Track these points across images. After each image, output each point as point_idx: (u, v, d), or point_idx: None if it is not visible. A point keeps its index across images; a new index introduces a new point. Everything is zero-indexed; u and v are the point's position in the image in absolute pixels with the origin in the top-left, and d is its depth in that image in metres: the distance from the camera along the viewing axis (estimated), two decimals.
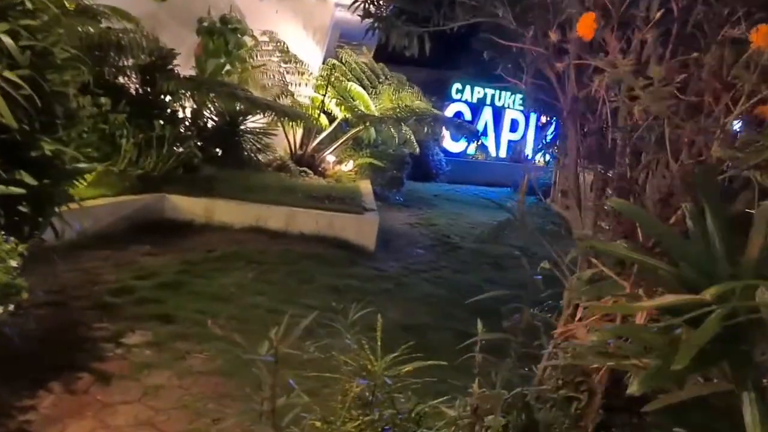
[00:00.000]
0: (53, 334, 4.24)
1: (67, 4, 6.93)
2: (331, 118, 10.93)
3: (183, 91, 8.49)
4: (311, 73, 10.90)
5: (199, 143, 8.70)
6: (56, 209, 3.69)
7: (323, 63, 11.17)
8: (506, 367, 2.84)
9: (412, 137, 10.89)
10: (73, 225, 3.82)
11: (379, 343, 2.41)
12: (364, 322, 2.92)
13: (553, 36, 2.07)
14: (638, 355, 1.52)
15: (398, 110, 10.36)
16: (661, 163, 1.86)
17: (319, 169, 10.68)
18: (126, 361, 4.02)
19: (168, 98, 8.34)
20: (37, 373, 3.65)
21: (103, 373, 3.80)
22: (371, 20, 4.86)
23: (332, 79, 10.68)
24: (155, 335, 4.42)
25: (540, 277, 3.38)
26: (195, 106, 9.30)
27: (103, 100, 7.29)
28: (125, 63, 7.98)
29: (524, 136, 17.53)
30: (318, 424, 2.14)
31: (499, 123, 17.04)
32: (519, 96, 16.31)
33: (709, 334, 1.10)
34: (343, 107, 10.49)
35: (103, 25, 7.86)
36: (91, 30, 7.36)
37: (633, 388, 1.19)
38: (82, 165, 3.73)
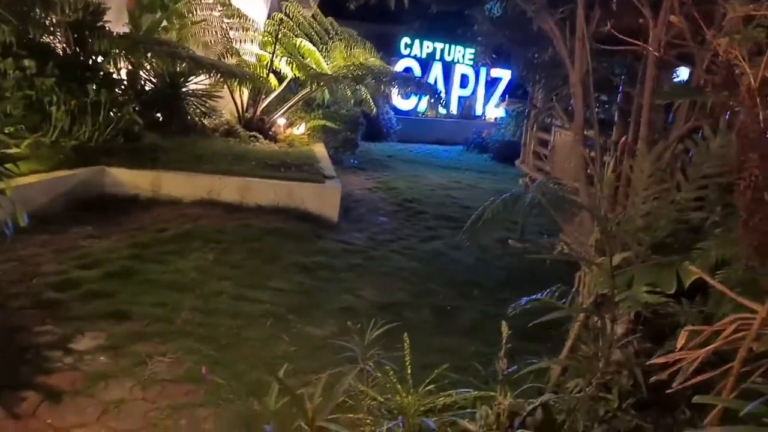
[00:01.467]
0: None
1: None
2: (280, 78, 10.23)
3: (117, 51, 7.69)
4: (257, 29, 10.13)
5: (138, 108, 7.93)
6: None
7: (269, 17, 10.40)
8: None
9: (368, 97, 10.33)
10: (5, 224, 3.21)
11: (409, 370, 1.98)
12: (341, 305, 2.54)
13: None
14: None
15: (353, 68, 9.75)
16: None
17: (270, 132, 10.03)
18: (78, 372, 3.46)
19: (101, 59, 7.52)
20: None
21: (52, 390, 3.25)
22: None
23: (280, 35, 9.94)
24: (109, 337, 3.86)
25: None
26: (131, 68, 8.48)
27: (27, 62, 6.47)
28: (52, 20, 7.10)
29: (474, 91, 17.20)
30: None
31: (449, 78, 16.63)
32: (469, 51, 15.89)
33: None
34: (293, 66, 9.79)
35: None
36: None
37: None
38: (12, 150, 3.10)
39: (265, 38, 10.17)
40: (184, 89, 9.19)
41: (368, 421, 1.86)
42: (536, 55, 5.21)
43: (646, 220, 2.86)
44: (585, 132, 3.67)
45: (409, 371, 1.98)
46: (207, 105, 9.54)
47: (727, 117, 2.88)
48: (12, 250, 4.96)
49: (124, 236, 5.66)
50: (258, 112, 10.16)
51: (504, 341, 2.57)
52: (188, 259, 5.32)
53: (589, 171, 3.48)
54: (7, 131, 3.17)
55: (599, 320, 2.93)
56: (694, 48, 2.37)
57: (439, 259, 6.69)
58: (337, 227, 7.16)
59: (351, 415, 1.92)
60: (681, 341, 1.70)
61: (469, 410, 2.22)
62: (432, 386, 2.32)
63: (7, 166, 3.12)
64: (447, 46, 16.33)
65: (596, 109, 4.61)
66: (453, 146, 15.73)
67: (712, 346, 1.59)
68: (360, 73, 9.52)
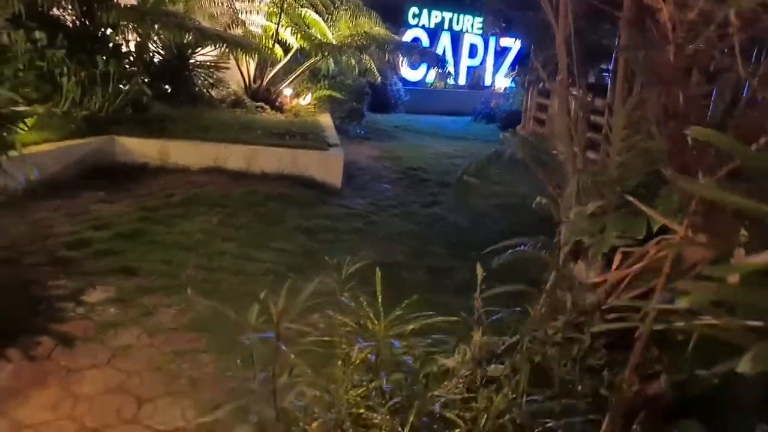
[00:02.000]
0: (6, 295, 3.90)
1: None
2: (286, 49, 10.36)
3: (125, 23, 7.84)
4: (262, 0, 10.23)
5: (146, 79, 8.11)
6: None
7: None
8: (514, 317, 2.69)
9: (373, 66, 10.43)
10: (16, 176, 3.42)
11: (379, 299, 2.17)
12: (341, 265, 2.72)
13: None
14: (713, 313, 1.32)
15: (357, 38, 9.85)
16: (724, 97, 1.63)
17: (276, 103, 10.18)
18: (89, 321, 3.71)
19: (109, 31, 7.70)
20: None
21: (65, 336, 3.51)
22: None
23: (285, 6, 10.04)
24: (119, 290, 4.11)
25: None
26: (139, 39, 8.64)
27: (38, 34, 6.66)
28: None
29: (483, 61, 17.18)
30: (319, 394, 1.93)
31: (457, 49, 16.62)
32: (478, 20, 15.86)
33: None
34: (298, 36, 9.91)
35: None
36: None
37: (745, 366, 0.99)
38: (20, 108, 3.30)
39: (271, 9, 10.27)
40: (191, 60, 9.37)
41: (343, 343, 2.05)
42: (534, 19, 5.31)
43: (620, 171, 3.01)
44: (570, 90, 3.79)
45: (380, 304, 2.18)
46: (214, 76, 9.71)
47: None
48: (26, 214, 5.21)
49: (133, 201, 5.89)
50: (264, 83, 10.32)
51: (479, 282, 2.76)
52: (194, 221, 5.54)
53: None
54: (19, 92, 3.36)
55: (574, 266, 3.11)
56: None
57: (439, 223, 6.86)
58: (341, 193, 7.35)
59: (326, 338, 2.12)
60: (615, 263, 1.87)
61: (436, 336, 2.41)
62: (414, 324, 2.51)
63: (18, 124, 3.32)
64: (455, 15, 16.28)
65: (590, 74, 4.70)
66: (461, 117, 15.77)
67: (639, 264, 1.76)
68: (364, 42, 9.62)
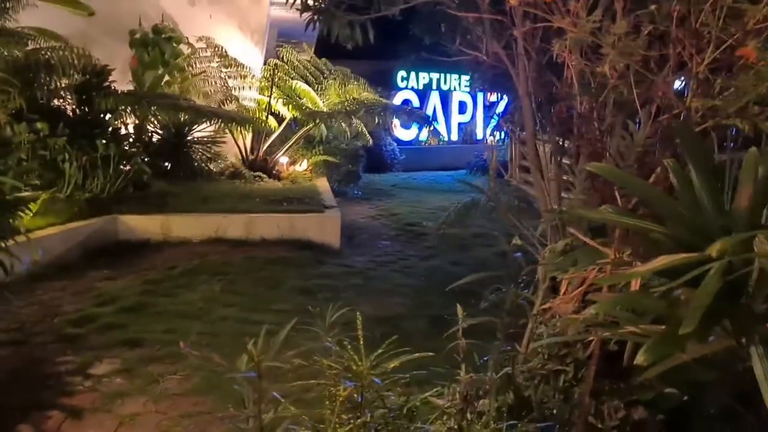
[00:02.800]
0: (16, 374, 4.03)
1: None
2: (280, 119, 10.75)
3: (123, 107, 8.22)
4: (254, 76, 10.68)
5: (146, 159, 8.44)
6: (1, 243, 3.48)
7: (264, 64, 10.96)
8: (495, 349, 2.80)
9: (364, 129, 10.78)
10: (22, 258, 3.61)
11: (361, 342, 2.31)
12: (341, 321, 2.86)
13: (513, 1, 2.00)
14: (631, 321, 1.47)
15: (347, 104, 10.23)
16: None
17: (274, 172, 10.49)
18: (96, 392, 3.83)
19: (108, 116, 8.06)
20: (2, 417, 3.46)
21: (74, 409, 3.62)
22: (310, 14, 4.73)
23: (276, 79, 10.49)
24: (124, 362, 4.24)
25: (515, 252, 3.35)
26: (137, 122, 9.01)
27: (39, 125, 7.00)
28: (59, 84, 7.67)
29: (473, 116, 17.63)
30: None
31: (447, 106, 17.10)
32: (465, 78, 16.36)
33: (712, 292, 1.05)
34: (290, 106, 10.31)
35: (30, 47, 7.55)
36: (17, 53, 7.03)
37: (640, 359, 1.13)
38: (24, 194, 3.53)
39: (263, 83, 10.71)
40: (189, 138, 9.71)
41: (329, 384, 2.18)
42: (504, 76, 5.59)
43: (585, 209, 3.19)
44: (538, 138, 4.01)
45: (361, 347, 2.31)
46: (212, 150, 10.04)
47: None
48: (34, 295, 5.39)
49: (136, 276, 6.06)
50: (261, 153, 10.65)
51: (460, 320, 2.91)
52: (196, 291, 5.70)
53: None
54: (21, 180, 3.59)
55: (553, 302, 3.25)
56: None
57: (438, 275, 6.98)
58: (340, 253, 7.51)
59: (313, 381, 2.25)
60: (562, 289, 2.02)
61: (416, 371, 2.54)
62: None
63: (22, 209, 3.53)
64: (442, 75, 16.83)
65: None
66: (456, 171, 16.07)
67: (581, 288, 1.91)
68: (354, 107, 9.99)
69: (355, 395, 2.13)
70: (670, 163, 1.42)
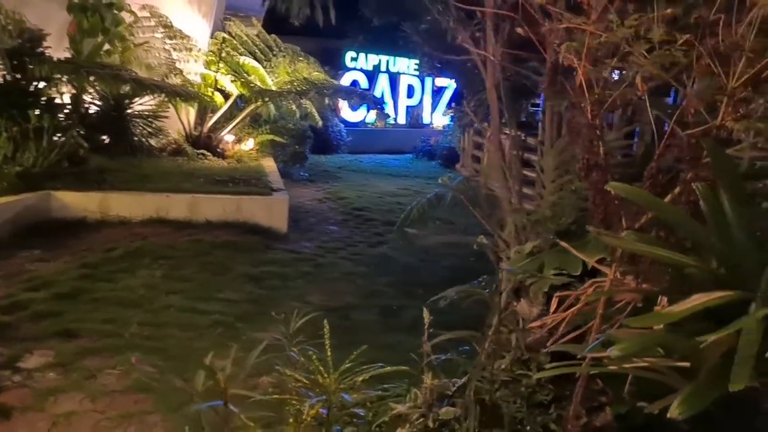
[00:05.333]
0: None
1: None
2: (226, 96, 10.36)
3: (59, 76, 7.72)
4: (200, 49, 10.24)
5: (82, 132, 7.97)
6: None
7: (211, 37, 10.53)
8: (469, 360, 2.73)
9: (314, 110, 10.53)
10: None
11: (329, 353, 2.17)
12: (289, 312, 2.74)
13: None
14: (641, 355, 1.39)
15: (296, 83, 9.94)
16: (644, 137, 1.73)
17: (218, 150, 10.12)
18: (27, 388, 3.56)
19: (42, 85, 7.55)
20: None
21: (1, 407, 3.35)
22: None
23: (223, 54, 10.09)
24: (58, 354, 3.96)
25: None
26: (74, 92, 8.50)
27: None
28: None
29: (421, 101, 17.57)
30: None
31: (395, 89, 16.97)
32: (414, 61, 16.25)
33: (758, 340, 0.97)
34: (238, 83, 9.94)
35: None
36: None
37: (675, 412, 1.05)
38: None
39: (209, 57, 10.29)
40: (129, 111, 9.24)
41: (294, 399, 2.04)
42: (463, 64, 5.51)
43: (553, 210, 3.13)
44: (502, 132, 3.94)
45: (329, 355, 2.17)
46: (153, 125, 9.59)
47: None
48: None
49: (72, 258, 5.72)
50: (205, 130, 10.27)
51: (426, 326, 2.81)
52: (137, 276, 5.42)
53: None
54: None
55: (516, 304, 3.20)
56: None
57: (387, 263, 6.90)
58: (287, 238, 7.32)
59: (276, 396, 2.10)
60: (553, 306, 1.94)
61: (386, 385, 2.43)
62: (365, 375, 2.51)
63: None
64: (392, 58, 16.68)
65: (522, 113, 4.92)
66: (403, 155, 16.03)
67: (575, 307, 1.83)
68: (303, 87, 9.72)
69: (321, 411, 2.01)
70: (699, 187, 1.33)
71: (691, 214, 1.34)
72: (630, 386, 2.08)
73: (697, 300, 1.13)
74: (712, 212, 1.27)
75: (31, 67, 7.33)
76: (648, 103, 1.53)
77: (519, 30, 2.29)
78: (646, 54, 1.43)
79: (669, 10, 1.43)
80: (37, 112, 7.15)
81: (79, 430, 3.24)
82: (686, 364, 1.21)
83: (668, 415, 1.06)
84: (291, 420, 1.95)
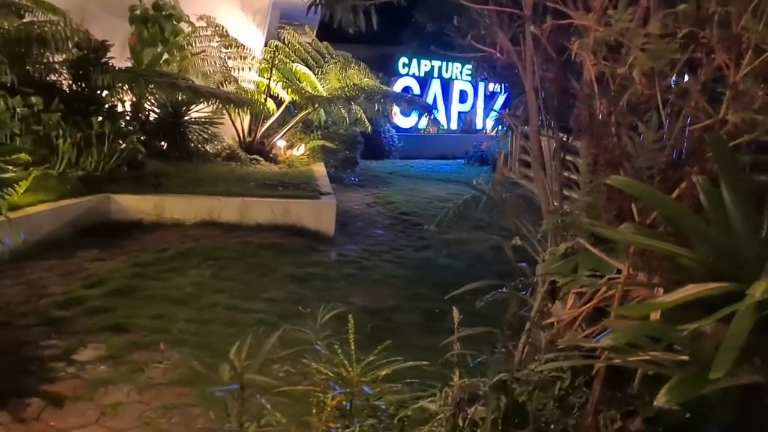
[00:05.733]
0: None
1: None
2: (279, 102, 10.61)
3: (120, 85, 8.08)
4: (254, 57, 10.52)
5: (142, 138, 8.32)
6: None
7: (265, 46, 10.80)
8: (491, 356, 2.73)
9: (363, 116, 10.66)
10: (4, 240, 3.52)
11: (352, 346, 2.22)
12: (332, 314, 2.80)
13: None
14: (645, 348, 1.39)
15: (347, 89, 10.09)
16: (651, 132, 1.72)
17: (270, 155, 10.37)
18: (79, 379, 3.75)
19: (105, 93, 7.92)
20: None
21: (55, 396, 3.54)
22: None
23: (276, 62, 10.33)
24: (109, 348, 4.16)
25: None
26: (134, 99, 8.88)
27: (33, 99, 6.85)
28: (53, 59, 7.52)
29: (473, 106, 17.48)
30: None
31: (448, 95, 16.94)
32: (467, 67, 16.19)
33: (746, 331, 0.97)
34: (289, 90, 10.17)
35: (27, 19, 7.40)
36: (6, 25, 6.87)
37: (662, 399, 1.05)
38: (8, 174, 3.41)
39: (263, 65, 10.55)
40: (186, 118, 9.58)
41: (318, 391, 2.10)
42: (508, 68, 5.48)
43: (587, 211, 3.10)
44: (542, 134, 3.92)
45: (353, 351, 2.23)
46: (209, 131, 9.92)
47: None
48: (21, 275, 5.30)
49: (127, 257, 5.97)
50: (258, 136, 10.52)
51: (456, 325, 2.83)
52: (187, 275, 5.62)
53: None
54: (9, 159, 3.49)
55: (551, 306, 3.17)
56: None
57: (432, 267, 6.91)
58: (334, 241, 7.43)
59: (300, 387, 2.17)
60: (569, 303, 1.94)
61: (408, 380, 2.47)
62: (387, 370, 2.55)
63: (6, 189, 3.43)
64: (444, 63, 16.66)
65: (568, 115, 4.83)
66: (454, 160, 15.97)
67: (591, 303, 1.83)
68: (354, 93, 9.85)
69: (344, 403, 2.06)
70: (700, 181, 1.33)
71: (696, 208, 1.33)
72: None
73: (690, 290, 1.12)
74: (712, 205, 1.26)
75: (94, 76, 7.69)
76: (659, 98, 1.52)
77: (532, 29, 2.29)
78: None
79: (681, 6, 1.43)
80: (99, 119, 7.49)
81: (125, 420, 3.39)
82: (686, 357, 1.20)
83: (655, 403, 1.07)
84: (314, 410, 2.01)
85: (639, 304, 1.50)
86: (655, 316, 1.27)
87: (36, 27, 7.19)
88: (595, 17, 1.63)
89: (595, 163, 1.77)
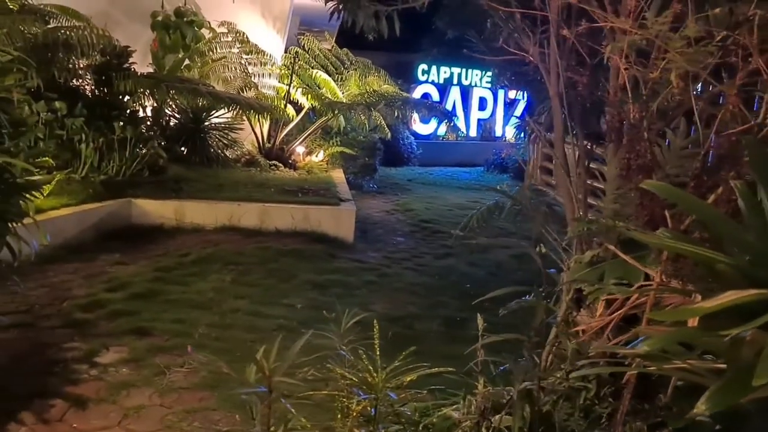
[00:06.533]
0: (21, 359, 3.98)
1: (10, 4, 6.56)
2: (298, 108, 10.65)
3: (142, 90, 8.14)
4: (274, 63, 10.56)
5: (163, 143, 8.38)
6: (9, 226, 3.39)
7: (285, 52, 10.84)
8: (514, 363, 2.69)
9: (383, 122, 10.65)
10: (30, 242, 3.53)
11: (377, 353, 2.19)
12: (354, 320, 2.76)
13: None
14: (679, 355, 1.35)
15: (366, 96, 10.10)
16: (679, 138, 1.68)
17: (290, 161, 10.39)
18: (102, 382, 3.76)
19: (127, 98, 7.99)
20: (5, 404, 3.39)
21: (78, 398, 3.55)
22: (335, 3, 4.60)
23: (296, 68, 10.37)
24: (132, 351, 4.17)
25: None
26: (156, 105, 8.95)
27: (57, 104, 6.93)
28: (78, 64, 7.61)
29: (493, 113, 17.41)
30: None
31: (467, 102, 16.88)
32: (487, 74, 16.16)
33: None
34: (309, 96, 10.19)
35: (52, 25, 7.49)
36: (35, 30, 6.96)
37: (702, 407, 1.01)
38: (35, 177, 3.44)
39: (283, 71, 10.60)
40: (206, 123, 9.64)
41: (342, 396, 2.08)
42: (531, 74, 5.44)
43: (615, 218, 3.05)
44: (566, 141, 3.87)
45: (377, 356, 2.20)
46: (229, 137, 9.96)
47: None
48: (45, 277, 5.34)
49: (149, 262, 6.00)
50: (278, 142, 10.55)
51: (480, 333, 2.79)
52: (207, 280, 5.62)
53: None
54: (34, 162, 3.52)
55: (577, 315, 3.12)
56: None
57: (453, 274, 6.86)
58: (353, 247, 7.41)
59: (325, 392, 2.15)
60: (600, 310, 1.89)
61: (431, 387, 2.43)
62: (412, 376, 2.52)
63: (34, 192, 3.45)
64: (464, 70, 16.62)
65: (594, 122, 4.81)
66: (474, 168, 15.90)
67: (622, 310, 1.79)
68: (373, 100, 9.86)
69: (369, 408, 2.03)
70: (738, 185, 1.29)
71: (732, 213, 1.29)
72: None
73: (730, 296, 1.09)
74: (750, 210, 1.22)
75: (116, 81, 7.76)
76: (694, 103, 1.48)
77: (564, 32, 2.26)
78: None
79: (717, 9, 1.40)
80: (121, 124, 7.55)
81: (147, 423, 3.39)
82: (723, 365, 1.16)
83: (694, 411, 1.03)
84: (338, 414, 1.98)
85: (676, 309, 1.46)
86: (692, 322, 1.23)
87: (62, 32, 7.27)
88: (625, 20, 1.60)
89: (627, 169, 1.73)
